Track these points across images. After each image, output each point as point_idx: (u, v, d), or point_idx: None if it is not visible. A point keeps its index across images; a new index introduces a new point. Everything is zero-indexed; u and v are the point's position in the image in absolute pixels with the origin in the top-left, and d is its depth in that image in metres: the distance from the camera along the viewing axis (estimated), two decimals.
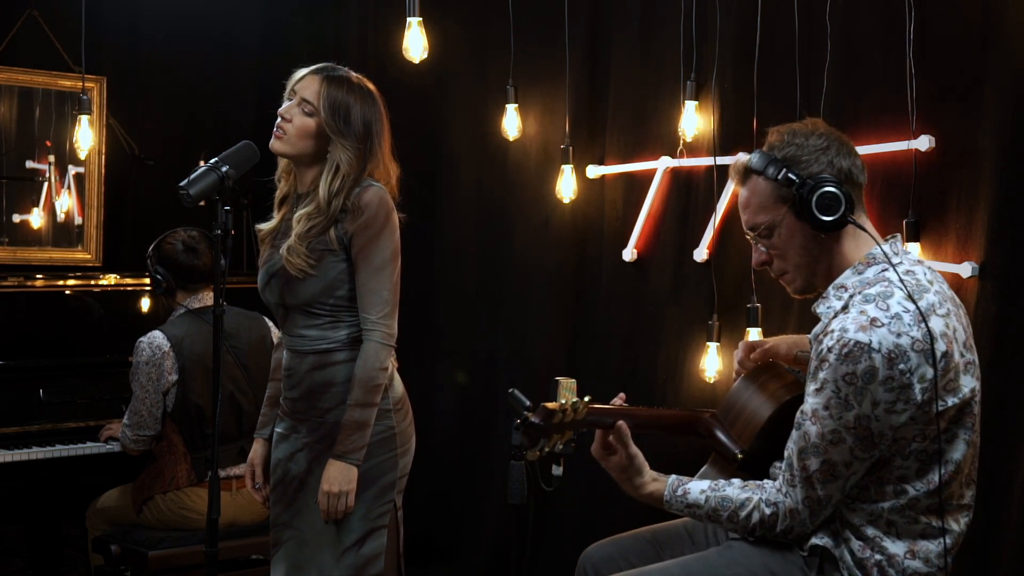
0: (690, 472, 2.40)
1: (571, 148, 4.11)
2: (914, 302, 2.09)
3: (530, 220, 4.38)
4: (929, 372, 2.06)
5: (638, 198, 3.97)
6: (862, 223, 2.22)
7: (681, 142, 3.82)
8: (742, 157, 2.30)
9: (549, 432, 2.20)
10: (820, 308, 2.22)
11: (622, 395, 2.41)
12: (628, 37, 4.04)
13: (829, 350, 2.09)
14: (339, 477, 2.71)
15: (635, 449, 2.33)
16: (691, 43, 3.78)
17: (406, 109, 4.90)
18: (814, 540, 2.18)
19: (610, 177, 4.10)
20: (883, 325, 2.06)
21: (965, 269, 3.01)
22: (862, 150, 3.26)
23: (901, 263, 2.18)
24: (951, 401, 2.10)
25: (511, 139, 4.28)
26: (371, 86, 2.84)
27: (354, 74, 2.83)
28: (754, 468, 2.33)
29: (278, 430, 2.89)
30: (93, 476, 3.92)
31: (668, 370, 3.89)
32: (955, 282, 3.07)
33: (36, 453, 3.79)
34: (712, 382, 3.68)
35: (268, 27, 5.38)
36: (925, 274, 2.19)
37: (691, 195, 3.84)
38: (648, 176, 3.94)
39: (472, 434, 4.58)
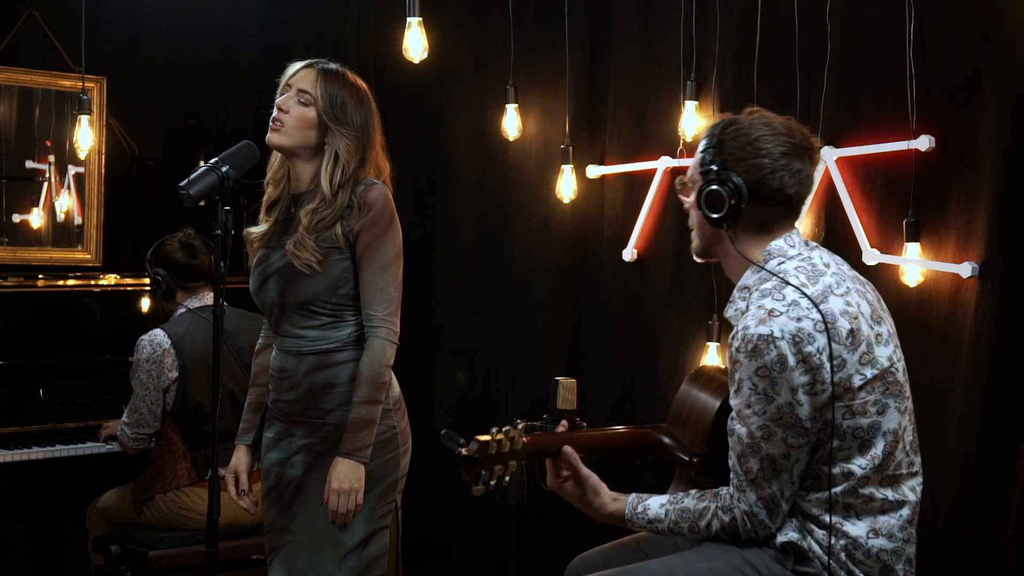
0: (657, 492, 2.39)
1: (571, 148, 4.11)
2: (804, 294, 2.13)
3: (530, 220, 4.38)
4: (837, 350, 2.11)
5: (638, 198, 3.97)
6: (752, 240, 2.25)
7: (681, 142, 3.82)
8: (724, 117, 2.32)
9: (488, 464, 2.21)
10: (729, 313, 2.28)
11: (564, 422, 2.41)
12: (628, 37, 4.04)
13: (737, 350, 2.14)
14: (348, 475, 2.69)
15: (587, 472, 2.35)
16: (691, 43, 3.78)
17: (406, 109, 4.92)
18: (780, 538, 2.20)
19: (610, 177, 4.10)
20: (781, 313, 2.12)
21: (965, 269, 3.01)
22: (862, 150, 3.28)
23: (799, 253, 2.23)
24: (869, 373, 2.14)
25: (511, 139, 4.28)
26: (364, 84, 2.85)
27: (349, 72, 2.85)
28: (715, 470, 2.32)
29: (268, 435, 2.87)
30: (93, 476, 3.92)
31: (668, 370, 3.89)
32: (955, 282, 3.07)
33: (36, 453, 3.79)
34: None
35: (268, 27, 5.38)
36: (821, 258, 2.24)
37: None
38: (648, 176, 3.94)
39: (472, 434, 4.56)
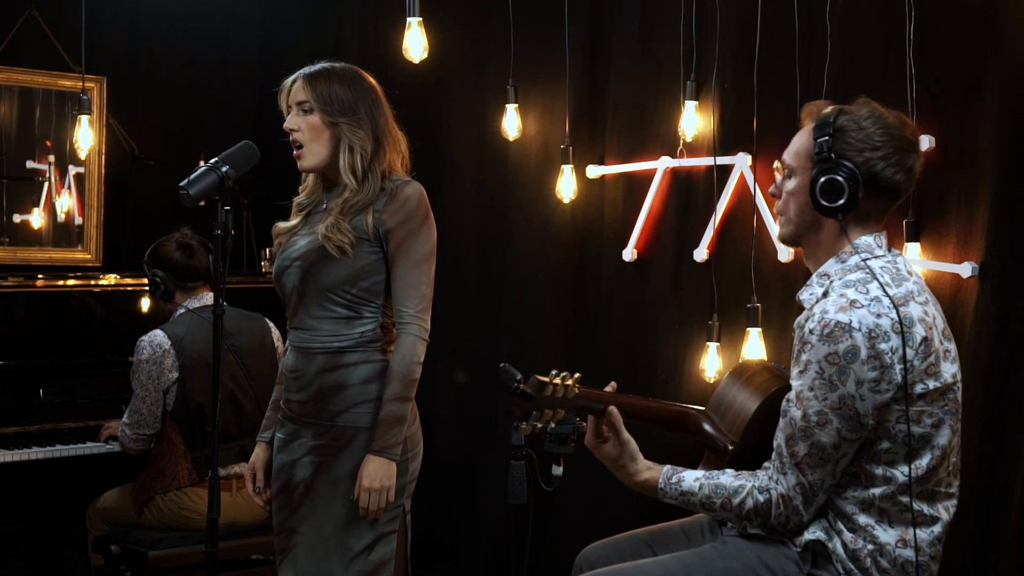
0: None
1: (571, 148, 4.11)
2: (886, 294, 2.13)
3: (530, 220, 4.38)
4: (909, 353, 2.11)
5: (638, 198, 3.97)
6: (853, 230, 2.24)
7: (681, 142, 3.82)
8: (824, 105, 2.31)
9: (540, 405, 2.23)
10: (803, 295, 2.27)
11: (613, 383, 2.43)
12: (628, 37, 4.04)
13: (811, 332, 2.13)
14: (379, 472, 2.69)
15: (627, 436, 2.36)
16: (691, 43, 3.78)
17: (406, 109, 4.88)
18: (807, 535, 2.20)
19: (610, 177, 4.10)
20: (863, 306, 2.12)
21: (965, 269, 3.01)
22: None
23: (885, 255, 2.23)
24: (932, 384, 2.14)
25: (511, 139, 4.28)
26: (355, 67, 2.85)
27: (337, 63, 2.84)
28: (746, 462, 2.34)
29: (279, 435, 2.87)
30: (93, 476, 3.92)
31: (668, 370, 3.89)
32: (955, 282, 3.07)
33: (36, 453, 3.79)
34: (712, 382, 3.67)
35: (268, 27, 5.39)
36: (905, 265, 2.25)
37: (691, 195, 3.84)
38: (648, 176, 3.94)
39: (472, 434, 4.58)
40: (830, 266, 2.25)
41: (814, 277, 2.28)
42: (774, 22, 3.54)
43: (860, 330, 2.09)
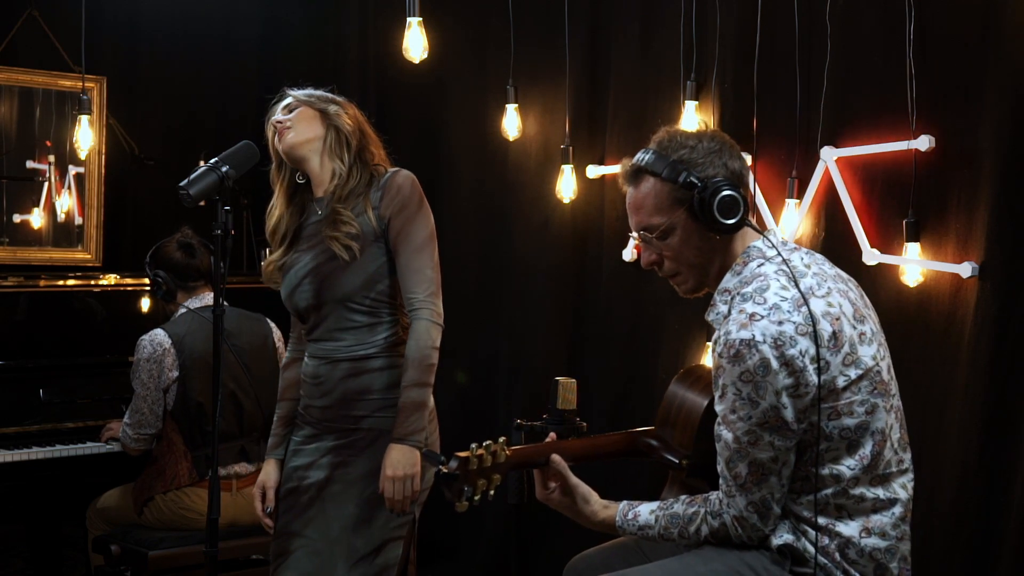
0: (650, 497, 2.38)
1: (571, 148, 4.11)
2: (797, 285, 2.13)
3: (530, 220, 4.38)
4: (821, 352, 2.10)
5: None
6: (732, 242, 2.25)
7: None
8: (628, 161, 2.29)
9: (471, 480, 2.20)
10: (710, 316, 2.26)
11: (552, 434, 2.40)
12: (628, 37, 4.04)
13: (720, 356, 2.13)
14: (403, 460, 2.66)
15: (575, 480, 2.33)
16: (691, 43, 3.78)
17: (406, 109, 4.92)
18: (775, 541, 2.19)
19: (610, 177, 4.10)
20: (763, 317, 2.10)
21: (965, 269, 3.01)
22: (862, 150, 3.28)
23: (775, 256, 2.22)
24: (854, 373, 2.13)
25: (511, 139, 4.28)
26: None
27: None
28: (706, 470, 2.32)
29: (296, 439, 2.85)
30: (93, 476, 3.92)
31: (668, 370, 3.89)
32: (955, 282, 3.07)
33: (36, 453, 3.79)
34: None
35: (268, 27, 5.38)
36: (802, 259, 2.23)
37: None
38: None
39: (472, 434, 4.54)
40: (727, 281, 2.24)
41: (716, 296, 2.25)
42: (774, 22, 3.54)
43: (765, 342, 2.08)
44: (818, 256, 2.28)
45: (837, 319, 2.14)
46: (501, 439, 2.26)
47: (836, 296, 2.18)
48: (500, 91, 4.30)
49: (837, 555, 2.17)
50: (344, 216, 2.71)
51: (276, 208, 2.86)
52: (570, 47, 4.13)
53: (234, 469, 3.63)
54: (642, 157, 2.24)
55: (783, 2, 3.50)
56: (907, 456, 2.24)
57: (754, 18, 3.55)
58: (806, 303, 2.11)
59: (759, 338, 2.08)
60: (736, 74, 3.67)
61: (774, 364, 2.08)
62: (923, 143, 3.12)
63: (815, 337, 2.09)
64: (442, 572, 4.58)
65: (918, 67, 3.14)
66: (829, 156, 3.33)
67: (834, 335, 2.12)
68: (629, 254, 3.97)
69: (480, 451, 2.21)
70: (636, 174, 2.26)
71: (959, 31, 3.10)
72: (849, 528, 2.17)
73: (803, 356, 2.09)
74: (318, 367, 2.79)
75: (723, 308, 2.22)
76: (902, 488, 2.21)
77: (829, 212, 3.39)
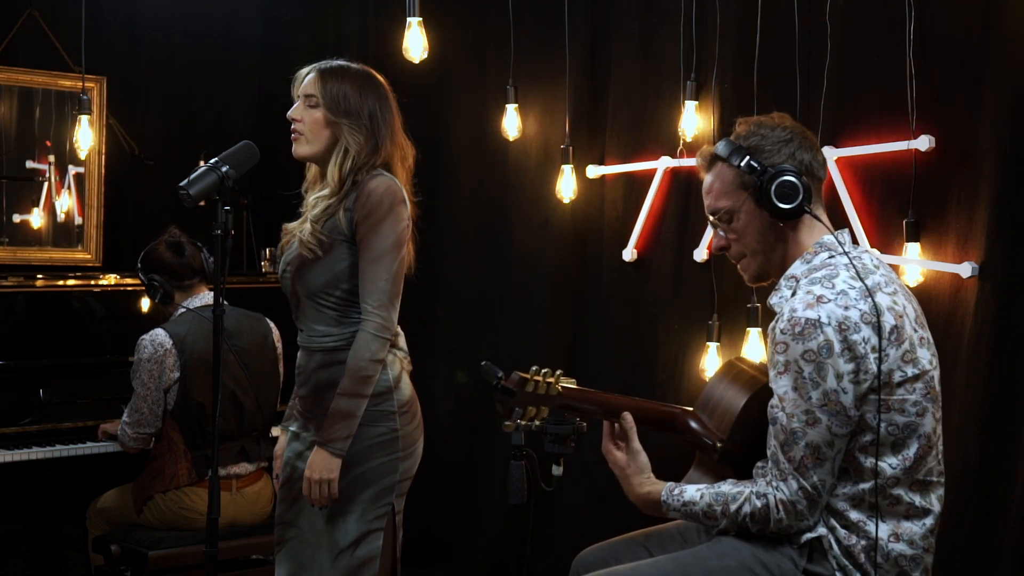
0: (675, 475, 2.41)
1: (571, 148, 4.11)
2: (861, 279, 2.16)
3: (530, 220, 4.38)
4: (882, 343, 2.12)
5: (638, 198, 3.97)
6: (815, 226, 2.28)
7: (681, 142, 3.82)
8: (709, 147, 2.37)
9: (522, 402, 2.23)
10: (773, 300, 2.28)
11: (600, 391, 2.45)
12: (628, 37, 4.04)
13: (783, 332, 2.14)
14: (322, 465, 2.69)
15: (638, 447, 2.37)
16: (691, 43, 3.78)
17: (406, 109, 4.87)
18: (809, 533, 2.19)
19: (610, 177, 4.10)
20: (830, 300, 2.13)
21: (965, 269, 3.01)
22: (862, 150, 3.28)
23: (849, 251, 2.25)
24: (911, 372, 2.15)
25: (511, 139, 4.28)
26: (371, 71, 2.87)
27: (354, 64, 2.85)
28: (736, 459, 2.34)
29: (291, 429, 2.90)
30: (93, 476, 3.91)
31: (668, 370, 3.89)
32: (955, 282, 3.07)
33: (36, 453, 3.79)
34: None
35: (268, 27, 5.39)
36: (872, 260, 2.27)
37: (691, 195, 3.84)
38: (648, 176, 3.94)
39: (472, 434, 4.58)
40: (796, 268, 2.27)
41: (781, 281, 2.28)
42: (774, 22, 3.54)
43: (830, 324, 2.11)
44: (884, 263, 2.32)
45: (900, 316, 2.16)
46: (559, 371, 2.28)
47: (901, 297, 2.21)
48: (500, 91, 4.30)
49: (862, 556, 2.17)
50: (316, 230, 2.71)
51: (309, 176, 2.89)
52: (570, 47, 4.13)
53: (234, 469, 3.63)
54: (717, 144, 2.32)
55: (783, 2, 3.50)
56: (943, 472, 2.25)
57: (754, 18, 3.56)
58: (871, 296, 2.14)
59: (824, 319, 2.11)
60: (736, 74, 3.67)
61: (837, 347, 2.10)
62: (923, 143, 3.12)
63: (878, 328, 2.12)
64: (442, 572, 4.58)
65: (918, 67, 3.14)
66: (829, 156, 3.33)
67: (896, 329, 2.14)
68: (629, 254, 3.97)
69: (539, 376, 2.25)
70: (711, 160, 2.33)
71: (959, 31, 3.10)
72: (879, 530, 2.17)
73: (865, 343, 2.11)
74: (300, 356, 2.84)
75: (787, 293, 2.24)
76: (938, 500, 2.23)
77: (829, 212, 3.34)
